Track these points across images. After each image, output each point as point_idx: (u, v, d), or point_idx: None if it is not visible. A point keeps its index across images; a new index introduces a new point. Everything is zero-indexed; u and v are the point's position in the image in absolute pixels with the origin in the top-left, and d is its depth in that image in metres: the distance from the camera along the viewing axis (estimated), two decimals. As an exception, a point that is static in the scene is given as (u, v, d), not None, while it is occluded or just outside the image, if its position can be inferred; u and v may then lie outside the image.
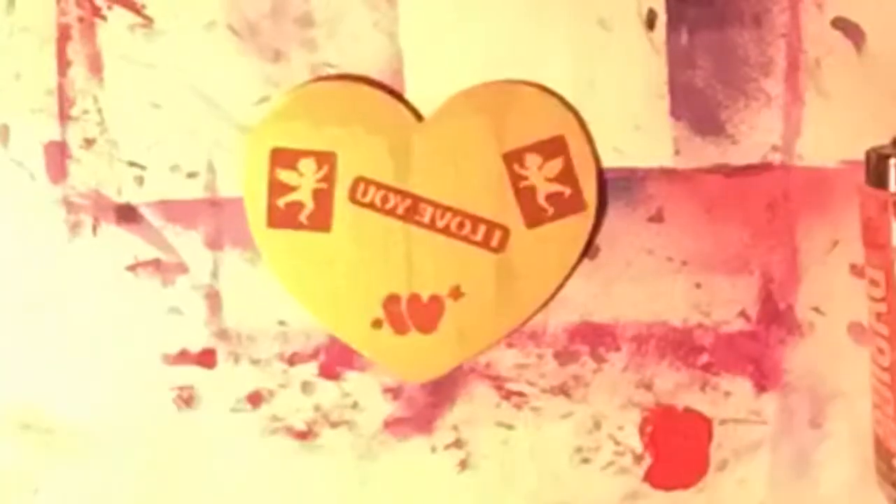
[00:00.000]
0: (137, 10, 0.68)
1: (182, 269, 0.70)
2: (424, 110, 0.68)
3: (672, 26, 0.68)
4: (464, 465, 0.71)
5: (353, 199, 0.68)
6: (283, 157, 0.68)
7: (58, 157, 0.69)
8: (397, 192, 0.68)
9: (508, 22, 0.68)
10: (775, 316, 0.70)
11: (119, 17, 0.68)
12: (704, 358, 0.70)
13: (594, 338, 0.70)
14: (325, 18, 0.68)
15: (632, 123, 0.68)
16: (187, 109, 0.69)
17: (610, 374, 0.70)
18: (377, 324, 0.69)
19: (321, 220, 0.68)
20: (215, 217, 0.69)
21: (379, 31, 0.68)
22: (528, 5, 0.68)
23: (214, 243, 0.70)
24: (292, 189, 0.68)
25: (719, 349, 0.70)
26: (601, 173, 0.69)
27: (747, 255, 0.70)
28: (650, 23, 0.68)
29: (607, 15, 0.68)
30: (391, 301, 0.69)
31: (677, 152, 0.69)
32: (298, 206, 0.68)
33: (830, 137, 0.68)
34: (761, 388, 0.70)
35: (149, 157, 0.69)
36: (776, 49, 0.68)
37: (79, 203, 0.69)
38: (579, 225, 0.69)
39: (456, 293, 0.69)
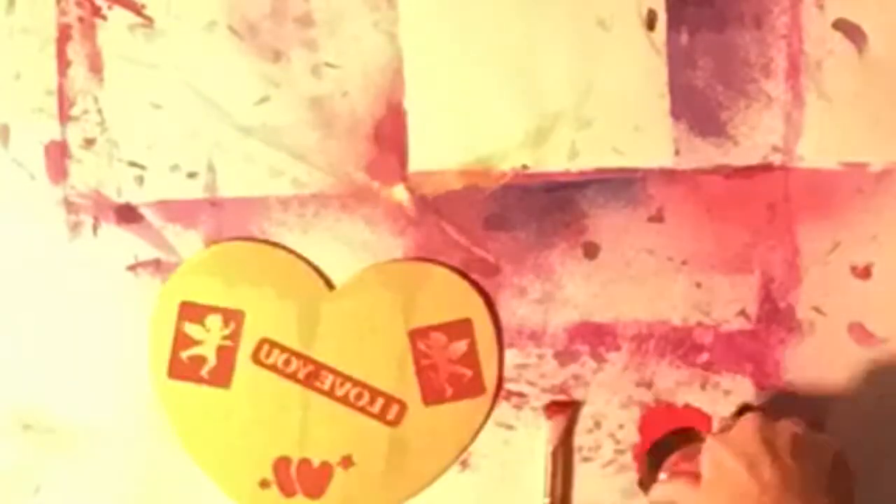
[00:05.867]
0: (137, 11, 0.68)
1: (182, 268, 0.70)
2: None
3: (672, 27, 0.68)
4: (464, 464, 0.71)
5: (256, 359, 0.69)
6: (191, 311, 0.69)
7: (58, 157, 0.69)
8: (300, 357, 0.69)
9: (508, 22, 0.68)
10: (775, 315, 0.70)
11: (119, 18, 0.68)
12: (704, 357, 0.70)
13: (594, 337, 0.70)
14: (325, 18, 0.68)
15: (632, 124, 0.68)
16: (187, 109, 0.69)
17: (610, 374, 0.70)
18: (265, 484, 0.69)
19: (222, 377, 0.69)
20: (215, 217, 0.69)
21: (379, 31, 0.68)
22: (527, 5, 0.68)
23: (214, 243, 0.70)
24: (197, 343, 0.69)
25: (719, 348, 0.70)
26: (502, 360, 0.70)
27: (747, 255, 0.70)
28: (650, 23, 0.68)
29: (607, 15, 0.68)
30: (281, 463, 0.69)
31: (677, 153, 0.69)
32: (201, 360, 0.69)
33: (831, 139, 0.68)
34: (761, 387, 0.70)
35: (149, 157, 0.69)
36: (777, 50, 0.68)
37: (79, 203, 0.69)
38: (477, 408, 0.70)
39: (347, 462, 0.69)
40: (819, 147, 0.68)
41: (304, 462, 0.69)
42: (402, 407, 0.69)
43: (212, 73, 0.69)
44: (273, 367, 0.69)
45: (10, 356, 0.70)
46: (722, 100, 0.68)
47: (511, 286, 0.70)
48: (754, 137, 0.69)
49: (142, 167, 0.69)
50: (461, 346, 0.69)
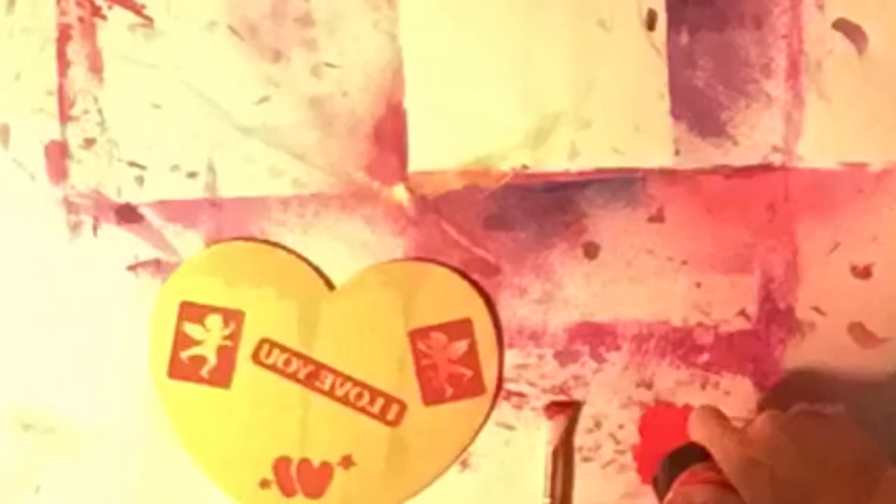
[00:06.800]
0: (137, 11, 0.68)
1: (182, 268, 0.70)
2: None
3: (672, 27, 0.68)
4: (464, 464, 0.71)
5: (256, 359, 0.69)
6: (191, 311, 0.69)
7: (58, 157, 0.69)
8: (300, 357, 0.69)
9: (508, 22, 0.68)
10: (775, 315, 0.70)
11: (119, 18, 0.68)
12: (704, 357, 0.70)
13: (594, 337, 0.70)
14: (325, 18, 0.68)
15: (632, 124, 0.68)
16: (187, 109, 0.69)
17: (610, 374, 0.70)
18: (265, 484, 0.69)
19: (222, 377, 0.69)
20: (215, 217, 0.69)
21: (379, 31, 0.68)
22: (527, 6, 0.68)
23: (215, 243, 0.70)
24: (197, 343, 0.69)
25: (719, 348, 0.70)
26: (502, 360, 0.70)
27: (748, 255, 0.70)
28: (650, 23, 0.68)
29: (607, 15, 0.68)
30: (281, 463, 0.69)
31: (677, 153, 0.69)
32: (201, 360, 0.69)
33: (831, 139, 0.68)
34: (761, 387, 0.71)
35: (149, 157, 0.69)
36: (777, 50, 0.68)
37: (79, 203, 0.69)
38: (477, 408, 0.70)
39: (347, 462, 0.69)
40: (819, 147, 0.68)
41: (304, 462, 0.69)
42: (402, 407, 0.69)
43: (212, 73, 0.69)
44: (273, 367, 0.69)
45: (10, 356, 0.70)
46: (722, 100, 0.68)
47: (511, 286, 0.70)
48: (754, 137, 0.69)
49: (142, 167, 0.69)
50: (461, 346, 0.69)
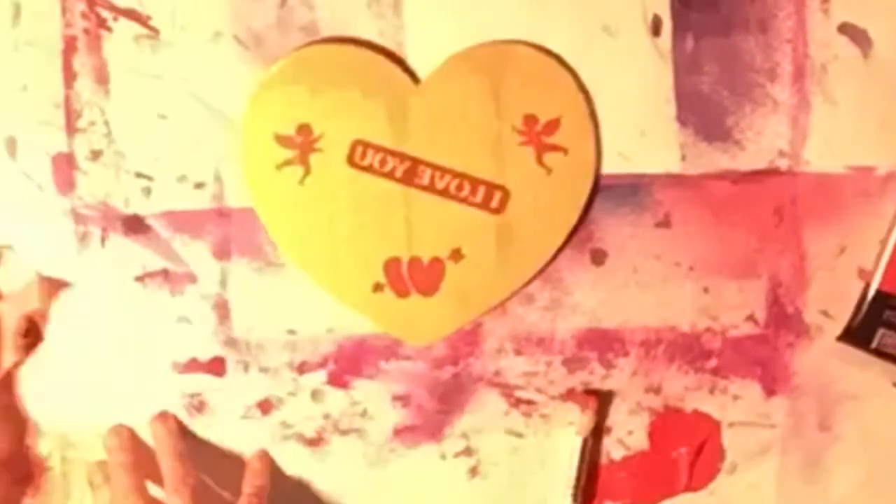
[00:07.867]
0: (143, 22, 0.68)
1: (190, 278, 0.70)
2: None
3: (678, 32, 0.68)
4: (474, 472, 0.71)
5: (351, 162, 0.68)
6: (280, 121, 0.68)
7: (65, 168, 0.69)
8: (396, 154, 0.68)
9: (513, 28, 0.68)
10: (783, 320, 0.70)
11: (125, 29, 0.68)
12: (713, 362, 0.71)
13: (602, 343, 0.70)
14: (330, 27, 0.68)
15: (638, 129, 0.68)
16: (194, 120, 0.69)
17: (618, 380, 0.70)
18: (378, 288, 0.69)
19: (320, 185, 0.68)
20: (223, 227, 0.69)
21: (384, 40, 0.68)
22: (533, 10, 0.68)
23: (222, 253, 0.70)
24: (290, 151, 0.68)
25: (727, 353, 0.70)
26: (598, 135, 0.68)
27: (755, 260, 0.70)
28: (656, 29, 0.68)
29: (612, 21, 0.68)
30: (392, 264, 0.69)
31: (684, 158, 0.69)
32: (295, 169, 0.68)
33: (837, 143, 0.68)
34: (770, 391, 0.71)
35: (156, 168, 0.69)
36: (782, 55, 0.68)
37: (87, 214, 0.69)
38: (578, 186, 0.69)
39: (456, 256, 0.69)
40: (825, 151, 0.68)
41: (415, 260, 0.69)
42: (505, 193, 0.68)
43: (218, 83, 0.69)
44: (370, 169, 0.68)
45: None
46: (728, 105, 0.68)
47: (519, 293, 0.70)
48: (760, 142, 0.69)
49: (149, 178, 0.69)
50: (555, 123, 0.68)
